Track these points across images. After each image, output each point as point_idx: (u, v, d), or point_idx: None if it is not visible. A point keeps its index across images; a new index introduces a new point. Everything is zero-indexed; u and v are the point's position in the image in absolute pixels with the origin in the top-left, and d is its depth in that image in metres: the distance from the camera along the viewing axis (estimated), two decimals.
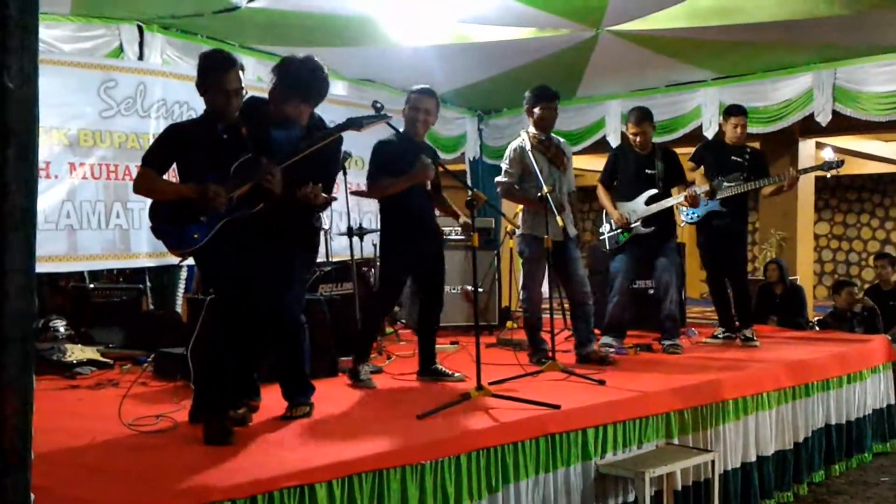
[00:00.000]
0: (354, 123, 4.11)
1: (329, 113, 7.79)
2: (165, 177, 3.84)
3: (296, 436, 3.66)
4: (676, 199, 6.41)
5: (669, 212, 6.44)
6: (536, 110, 5.68)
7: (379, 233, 5.24)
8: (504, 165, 5.81)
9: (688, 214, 6.81)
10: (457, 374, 5.03)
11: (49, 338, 5.48)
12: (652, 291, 6.98)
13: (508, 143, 6.00)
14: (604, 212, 6.55)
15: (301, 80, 4.04)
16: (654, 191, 6.32)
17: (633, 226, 6.27)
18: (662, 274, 6.42)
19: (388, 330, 6.95)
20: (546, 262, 5.64)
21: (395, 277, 5.12)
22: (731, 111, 6.88)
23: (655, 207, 6.26)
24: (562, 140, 6.00)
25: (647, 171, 6.35)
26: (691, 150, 7.15)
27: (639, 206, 6.30)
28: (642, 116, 6.36)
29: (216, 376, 3.69)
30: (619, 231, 6.39)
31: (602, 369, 5.38)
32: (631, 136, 6.44)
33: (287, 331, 4.14)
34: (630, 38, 7.20)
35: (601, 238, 6.62)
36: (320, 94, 4.14)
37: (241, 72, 3.78)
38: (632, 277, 6.52)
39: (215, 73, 3.73)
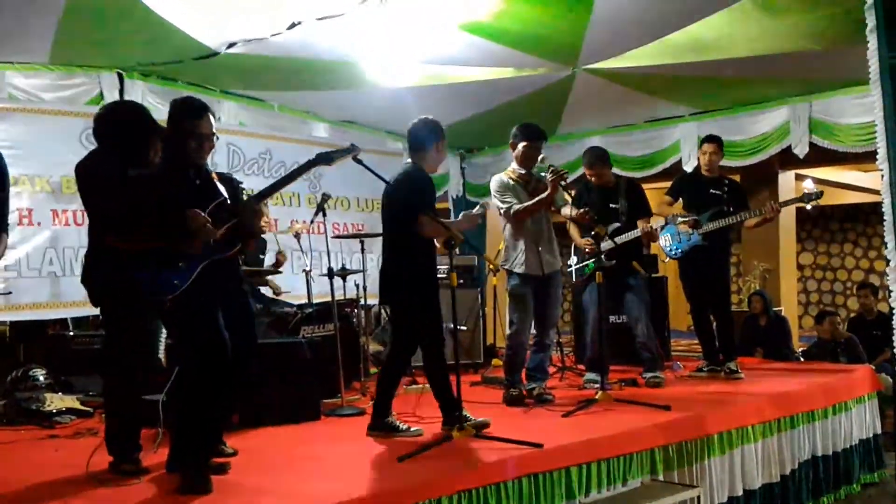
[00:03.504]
0: (323, 158, 4.14)
1: (310, 155, 7.93)
2: None
3: (273, 482, 3.62)
4: (635, 233, 6.42)
5: (635, 246, 6.46)
6: (521, 147, 5.68)
7: (393, 275, 4.79)
8: (497, 197, 5.69)
9: (671, 250, 6.83)
10: (413, 429, 4.67)
11: (28, 387, 5.42)
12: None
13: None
14: (572, 245, 6.58)
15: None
16: (616, 224, 6.35)
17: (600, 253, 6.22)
18: (632, 308, 6.45)
19: (373, 370, 6.92)
20: (532, 297, 5.63)
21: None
22: (704, 139, 6.99)
23: (618, 240, 6.22)
24: (543, 175, 5.97)
25: (610, 205, 6.38)
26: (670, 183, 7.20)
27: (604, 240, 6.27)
28: (594, 159, 6.48)
29: (192, 423, 3.67)
30: (585, 263, 6.39)
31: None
32: (590, 175, 6.50)
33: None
34: (606, 75, 7.29)
35: (569, 270, 6.63)
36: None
37: (212, 118, 3.83)
38: (603, 309, 6.46)
39: (189, 118, 3.76)
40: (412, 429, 4.68)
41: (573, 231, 6.49)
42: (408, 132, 4.94)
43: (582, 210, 5.78)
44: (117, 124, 4.09)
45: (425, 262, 4.77)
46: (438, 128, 4.89)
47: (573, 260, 6.58)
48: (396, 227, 4.79)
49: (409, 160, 4.96)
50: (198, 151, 3.78)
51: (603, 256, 5.92)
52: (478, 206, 5.49)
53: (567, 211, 5.84)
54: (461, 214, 4.90)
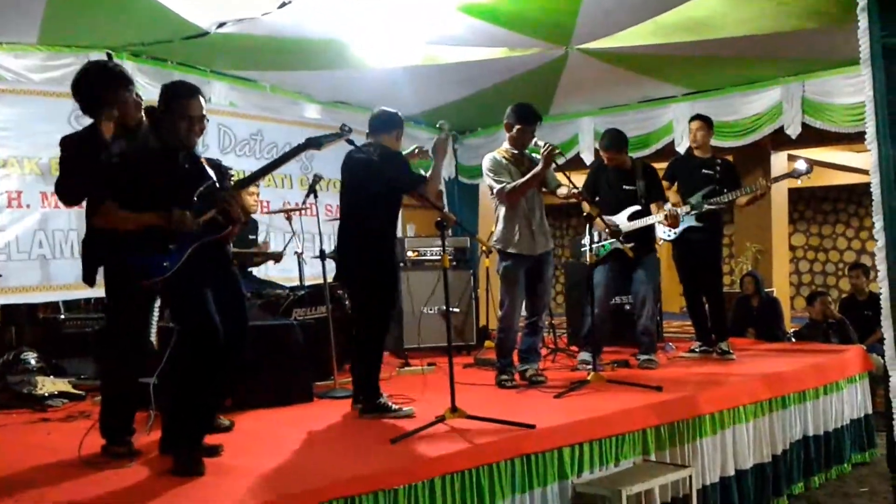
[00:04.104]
0: (313, 143, 4.14)
1: (302, 136, 7.86)
2: None
3: (266, 464, 3.62)
4: (656, 217, 6.41)
5: (650, 227, 6.46)
6: (515, 129, 5.66)
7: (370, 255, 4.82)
8: (491, 176, 5.68)
9: (665, 232, 6.83)
10: (405, 409, 4.67)
11: (20, 371, 5.40)
12: (629, 307, 6.99)
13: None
14: (587, 224, 6.49)
15: None
16: (636, 207, 6.33)
17: (614, 240, 6.23)
18: (640, 287, 6.41)
19: None
20: (523, 278, 5.63)
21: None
22: (692, 117, 7.08)
23: (638, 224, 6.25)
24: (536, 156, 5.92)
25: (626, 187, 6.36)
26: (665, 164, 7.20)
27: (621, 221, 6.29)
28: (611, 143, 6.42)
29: (185, 406, 3.67)
30: (601, 243, 6.37)
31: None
32: (606, 159, 6.46)
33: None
34: (599, 55, 7.26)
35: (582, 249, 6.61)
36: None
37: (203, 101, 3.84)
38: (612, 292, 6.50)
39: (179, 99, 3.78)
40: (404, 409, 4.68)
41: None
42: (373, 116, 5.01)
43: (575, 190, 5.74)
44: (76, 87, 4.06)
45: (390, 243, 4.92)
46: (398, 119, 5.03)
47: (587, 239, 6.50)
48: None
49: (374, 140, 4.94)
50: (188, 133, 3.79)
51: (621, 238, 5.94)
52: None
53: (564, 191, 5.81)
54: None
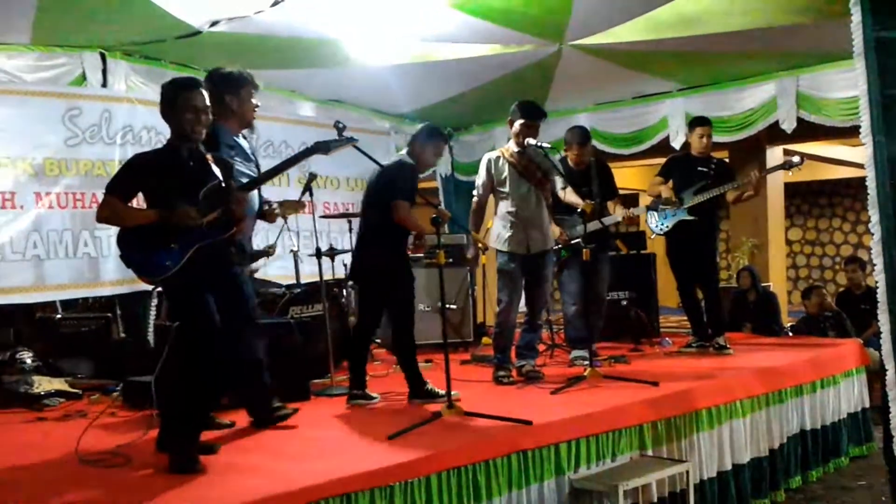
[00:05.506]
0: (321, 147, 4.15)
1: (297, 133, 7.86)
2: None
3: (263, 462, 3.62)
4: (616, 217, 6.44)
5: (606, 228, 6.46)
6: (518, 125, 5.65)
7: (369, 253, 5.10)
8: (479, 178, 5.82)
9: (657, 225, 6.84)
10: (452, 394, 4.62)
11: (16, 370, 5.40)
12: (625, 303, 6.99)
13: (479, 159, 5.99)
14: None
15: None
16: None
17: (573, 242, 6.27)
18: (598, 287, 6.52)
19: None
20: (522, 276, 5.63)
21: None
22: (696, 122, 6.98)
23: (594, 225, 6.11)
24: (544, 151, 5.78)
25: (582, 188, 6.35)
26: (660, 160, 7.20)
27: (577, 222, 6.20)
28: (583, 138, 6.51)
29: (182, 405, 3.67)
30: (559, 247, 6.35)
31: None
32: (574, 156, 6.47)
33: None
34: (593, 52, 7.25)
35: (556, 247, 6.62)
36: None
37: (205, 93, 3.82)
38: (584, 289, 6.44)
39: (182, 91, 3.77)
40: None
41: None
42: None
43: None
44: None
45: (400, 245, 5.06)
46: (437, 133, 5.22)
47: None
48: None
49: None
50: (194, 124, 3.75)
51: (580, 240, 5.95)
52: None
53: (573, 198, 5.84)
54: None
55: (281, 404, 4.48)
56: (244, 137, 4.65)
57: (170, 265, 3.63)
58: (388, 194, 4.91)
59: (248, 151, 4.60)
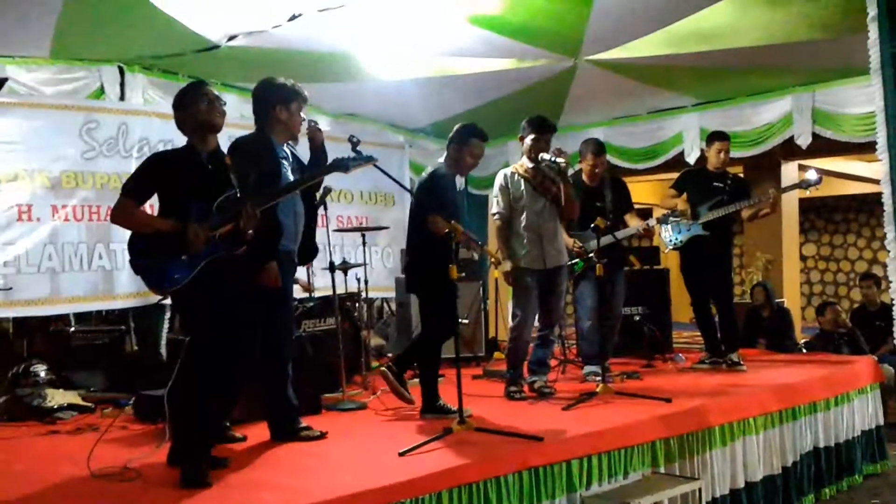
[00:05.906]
0: (341, 166, 4.13)
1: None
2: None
3: (274, 476, 3.62)
4: (631, 230, 6.43)
5: (620, 242, 6.46)
6: (529, 140, 5.66)
7: (413, 269, 5.19)
8: (494, 198, 5.81)
9: (671, 240, 6.82)
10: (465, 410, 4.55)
11: (29, 383, 5.40)
12: (638, 318, 6.97)
13: (493, 173, 6.01)
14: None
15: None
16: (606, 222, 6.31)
17: (589, 256, 6.25)
18: (614, 303, 6.50)
19: (375, 364, 6.92)
20: (536, 290, 5.62)
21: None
22: (715, 137, 6.91)
23: (607, 239, 6.03)
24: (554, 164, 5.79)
25: (596, 203, 6.34)
26: (674, 175, 7.19)
27: (591, 237, 6.12)
28: (599, 150, 6.49)
29: (193, 418, 3.67)
30: (574, 261, 6.32)
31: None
32: (588, 167, 6.46)
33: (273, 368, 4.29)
34: (609, 66, 7.26)
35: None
36: None
37: (214, 90, 3.88)
38: (598, 304, 6.44)
39: (190, 89, 3.83)
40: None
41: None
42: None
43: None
44: None
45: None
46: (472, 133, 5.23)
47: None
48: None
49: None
50: (210, 112, 3.77)
51: (594, 254, 5.94)
52: None
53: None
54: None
55: (308, 426, 4.50)
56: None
57: (178, 278, 3.61)
58: (421, 209, 4.98)
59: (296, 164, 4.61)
